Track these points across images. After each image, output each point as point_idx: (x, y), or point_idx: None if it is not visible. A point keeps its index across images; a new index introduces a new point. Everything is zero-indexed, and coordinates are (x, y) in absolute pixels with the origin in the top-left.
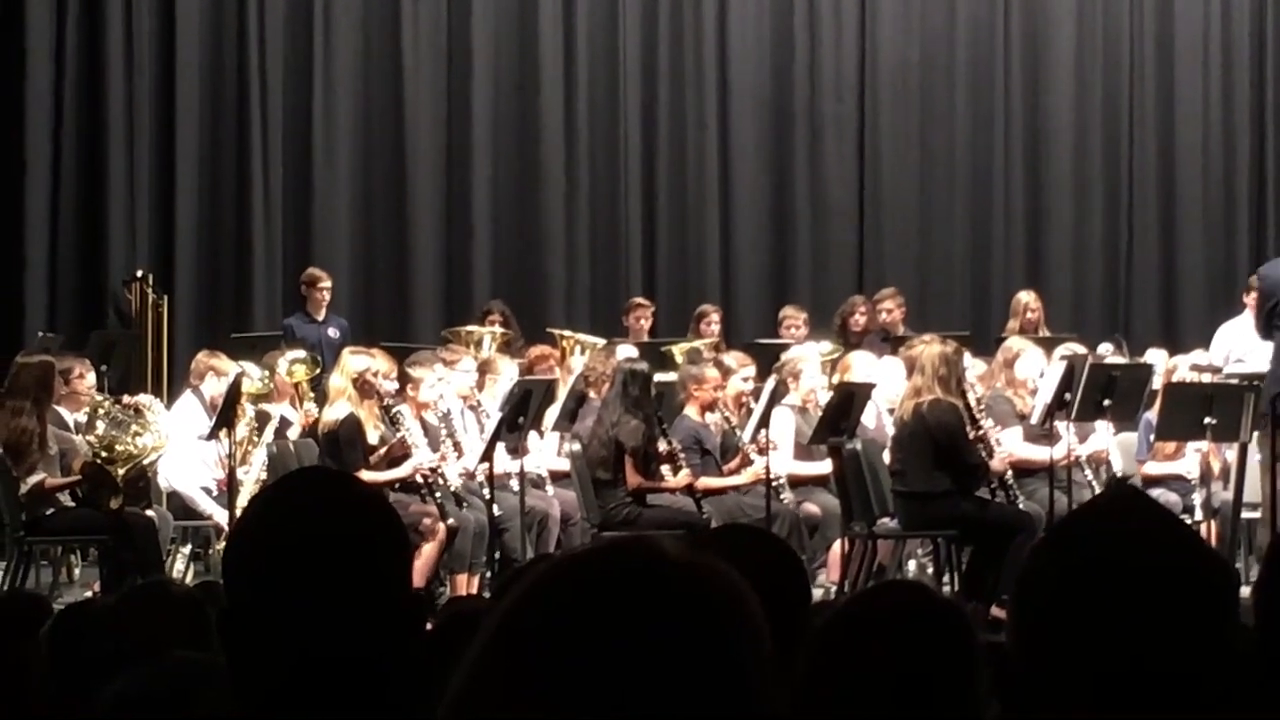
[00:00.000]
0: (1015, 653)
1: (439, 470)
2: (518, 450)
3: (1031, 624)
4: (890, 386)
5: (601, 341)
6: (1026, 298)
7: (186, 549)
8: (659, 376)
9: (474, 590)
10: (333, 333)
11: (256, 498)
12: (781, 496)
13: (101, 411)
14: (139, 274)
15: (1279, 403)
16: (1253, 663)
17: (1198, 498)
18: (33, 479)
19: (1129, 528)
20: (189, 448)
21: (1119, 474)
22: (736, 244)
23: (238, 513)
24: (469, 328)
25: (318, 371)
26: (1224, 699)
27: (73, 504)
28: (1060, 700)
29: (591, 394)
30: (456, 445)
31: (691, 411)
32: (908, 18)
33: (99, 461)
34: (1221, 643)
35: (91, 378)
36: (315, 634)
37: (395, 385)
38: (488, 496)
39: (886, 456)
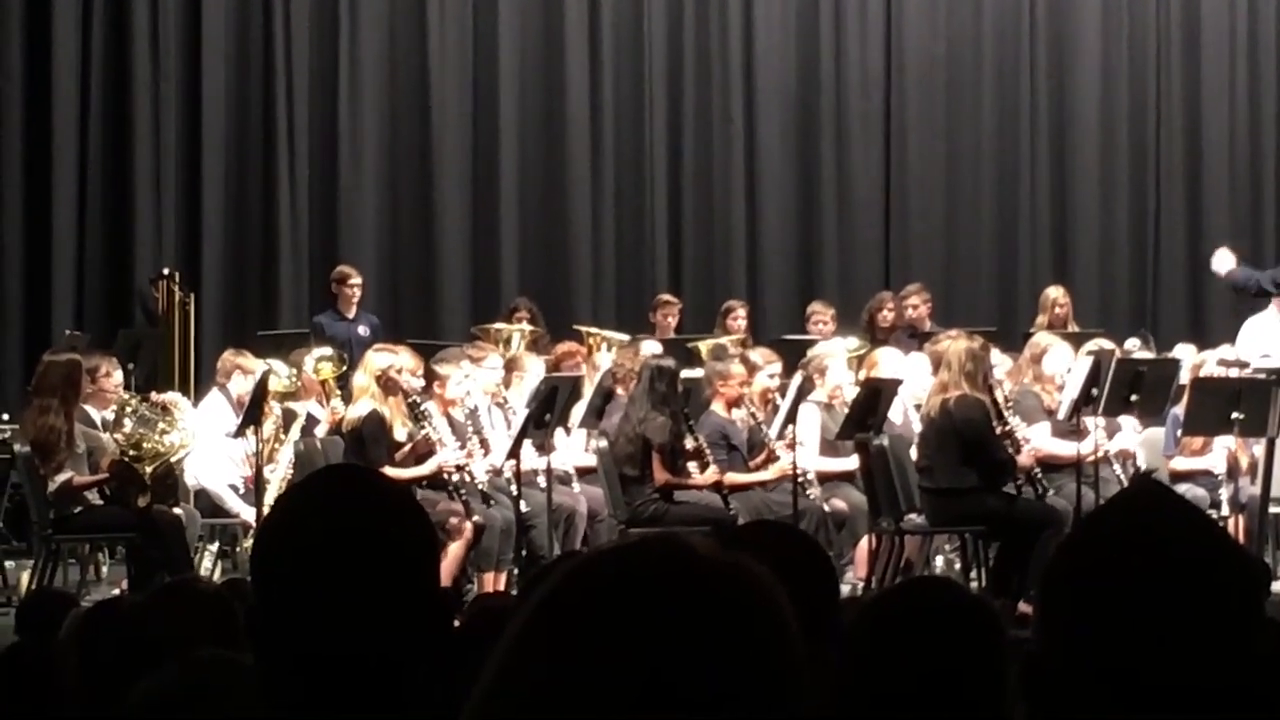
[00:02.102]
0: (1041, 650)
1: (465, 467)
2: (544, 447)
3: (1057, 621)
4: (916, 382)
5: (628, 338)
6: (1055, 293)
7: (214, 547)
8: (685, 373)
9: (501, 587)
10: (363, 330)
11: (284, 495)
12: (809, 492)
13: (129, 409)
14: (165, 272)
15: None
16: None
17: (1225, 493)
18: (61, 477)
19: (1154, 523)
20: (216, 446)
21: (1143, 468)
22: (763, 240)
23: (265, 510)
24: (497, 325)
25: (344, 369)
26: (1253, 699)
27: (100, 502)
28: (1086, 698)
29: (618, 390)
30: (483, 442)
31: (717, 407)
32: (933, 13)
33: (126, 459)
34: (1250, 640)
35: (118, 375)
36: (342, 631)
37: (421, 382)
38: (515, 493)
39: (913, 452)
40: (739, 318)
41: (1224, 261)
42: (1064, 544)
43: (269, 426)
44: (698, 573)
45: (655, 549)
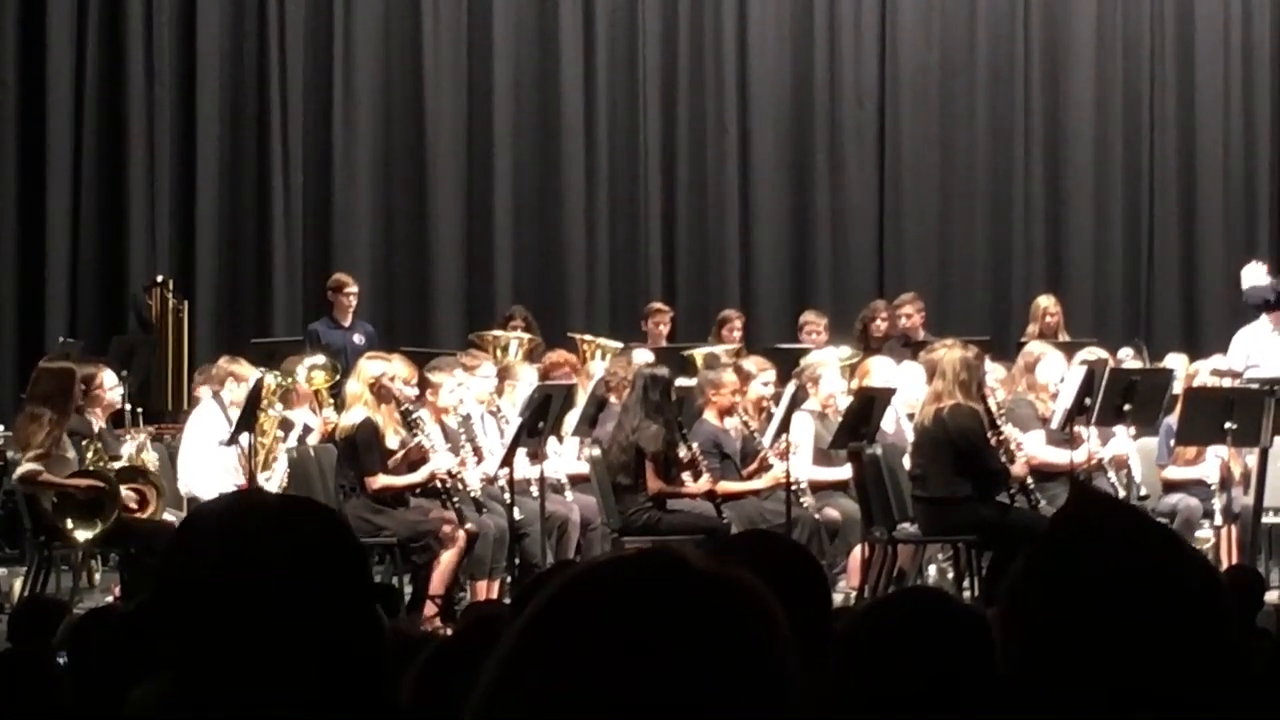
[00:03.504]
0: (1008, 665)
1: (458, 475)
2: (538, 455)
3: (1028, 633)
4: (910, 391)
5: (621, 346)
6: (1046, 302)
7: None
8: (679, 381)
9: (494, 595)
10: (358, 338)
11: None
12: (802, 501)
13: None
14: (159, 279)
15: None
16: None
17: (1218, 502)
18: (30, 466)
19: (1116, 531)
20: (209, 454)
21: (1139, 477)
22: (756, 249)
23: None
24: (495, 332)
25: (337, 378)
26: (1223, 704)
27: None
28: (1063, 706)
29: (612, 399)
30: (476, 450)
31: (710, 416)
32: (928, 22)
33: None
34: (1213, 645)
35: (110, 379)
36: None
37: (415, 391)
38: (508, 501)
39: (906, 461)
40: (735, 329)
41: (1251, 276)
42: (1027, 558)
43: (268, 421)
44: (692, 584)
45: (650, 560)
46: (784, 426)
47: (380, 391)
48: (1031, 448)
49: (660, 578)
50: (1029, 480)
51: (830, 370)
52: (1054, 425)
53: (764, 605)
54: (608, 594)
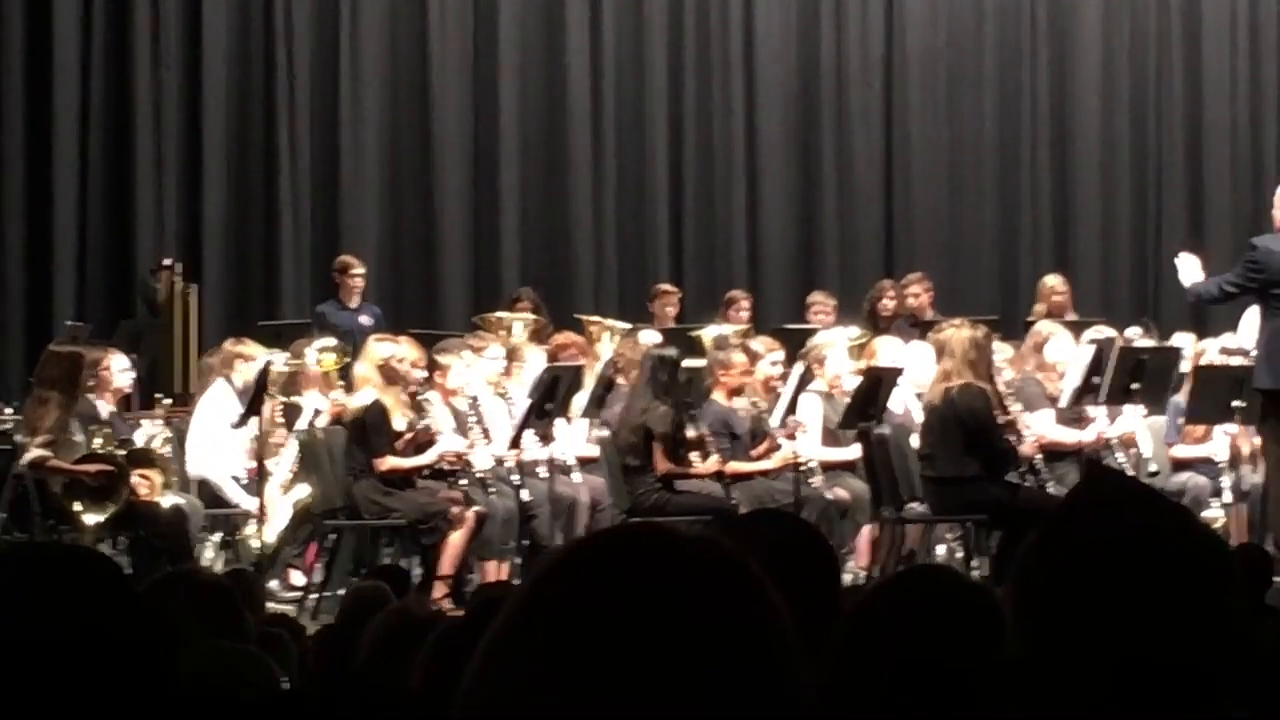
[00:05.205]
0: (1019, 645)
1: (465, 456)
2: (546, 437)
3: (1034, 617)
4: (918, 371)
5: (629, 327)
6: (1053, 281)
7: (216, 537)
8: (687, 362)
9: (503, 576)
10: (365, 320)
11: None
12: (811, 481)
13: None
14: (167, 263)
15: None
16: None
17: (1227, 481)
18: (37, 452)
19: (1120, 512)
20: (219, 436)
21: (1147, 455)
22: (764, 230)
23: (266, 501)
24: (500, 314)
25: (347, 360)
26: (1235, 686)
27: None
28: (1065, 693)
29: (620, 380)
30: (485, 431)
31: (719, 396)
32: (934, 2)
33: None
34: (1223, 624)
35: (120, 362)
36: None
37: (424, 373)
38: (517, 483)
39: (915, 441)
40: (742, 309)
41: (1189, 273)
42: (1038, 535)
43: (266, 413)
44: (680, 558)
45: (638, 536)
46: (792, 407)
47: (389, 373)
48: (1040, 427)
49: (647, 552)
50: (1037, 460)
51: (837, 350)
52: (1062, 404)
53: (751, 576)
54: (595, 570)
